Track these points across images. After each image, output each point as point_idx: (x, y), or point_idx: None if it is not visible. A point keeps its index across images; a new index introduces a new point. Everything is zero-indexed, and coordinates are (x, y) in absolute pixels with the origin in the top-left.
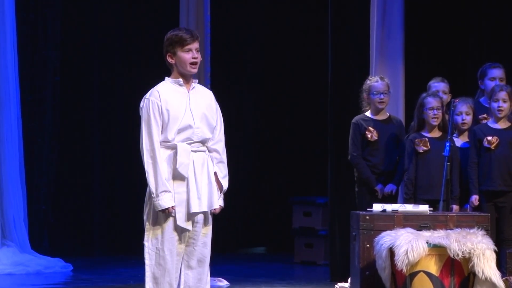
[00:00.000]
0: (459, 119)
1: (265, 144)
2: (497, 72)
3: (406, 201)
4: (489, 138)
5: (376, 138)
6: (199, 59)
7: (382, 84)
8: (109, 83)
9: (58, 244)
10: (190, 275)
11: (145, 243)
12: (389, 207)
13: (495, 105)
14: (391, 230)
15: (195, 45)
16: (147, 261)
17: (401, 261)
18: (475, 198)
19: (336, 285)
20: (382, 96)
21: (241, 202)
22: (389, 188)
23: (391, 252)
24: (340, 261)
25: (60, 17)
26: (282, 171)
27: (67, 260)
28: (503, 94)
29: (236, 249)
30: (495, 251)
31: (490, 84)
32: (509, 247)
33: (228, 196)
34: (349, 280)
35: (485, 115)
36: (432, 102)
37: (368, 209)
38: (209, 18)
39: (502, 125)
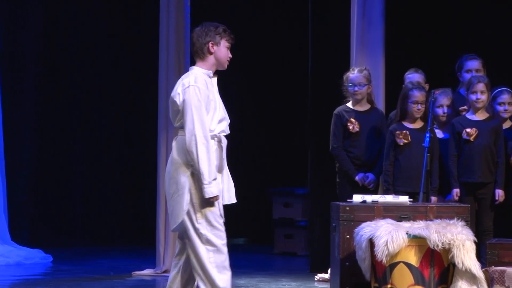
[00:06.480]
0: (440, 111)
1: (245, 134)
2: (473, 64)
3: (385, 192)
4: (468, 130)
5: (357, 129)
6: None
7: (358, 76)
8: (91, 74)
9: (38, 235)
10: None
11: (200, 232)
12: (369, 198)
13: (473, 97)
14: (371, 221)
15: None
16: (202, 250)
17: (381, 252)
18: (456, 192)
19: (316, 276)
20: (356, 88)
21: None
22: (368, 178)
23: (371, 243)
24: (320, 252)
25: (41, 8)
26: (262, 162)
27: (47, 251)
28: (481, 86)
29: None
30: (475, 242)
31: (467, 76)
32: (489, 238)
33: None
34: (329, 271)
35: (465, 107)
36: (417, 95)
37: (348, 200)
38: (189, 9)
39: (480, 116)
